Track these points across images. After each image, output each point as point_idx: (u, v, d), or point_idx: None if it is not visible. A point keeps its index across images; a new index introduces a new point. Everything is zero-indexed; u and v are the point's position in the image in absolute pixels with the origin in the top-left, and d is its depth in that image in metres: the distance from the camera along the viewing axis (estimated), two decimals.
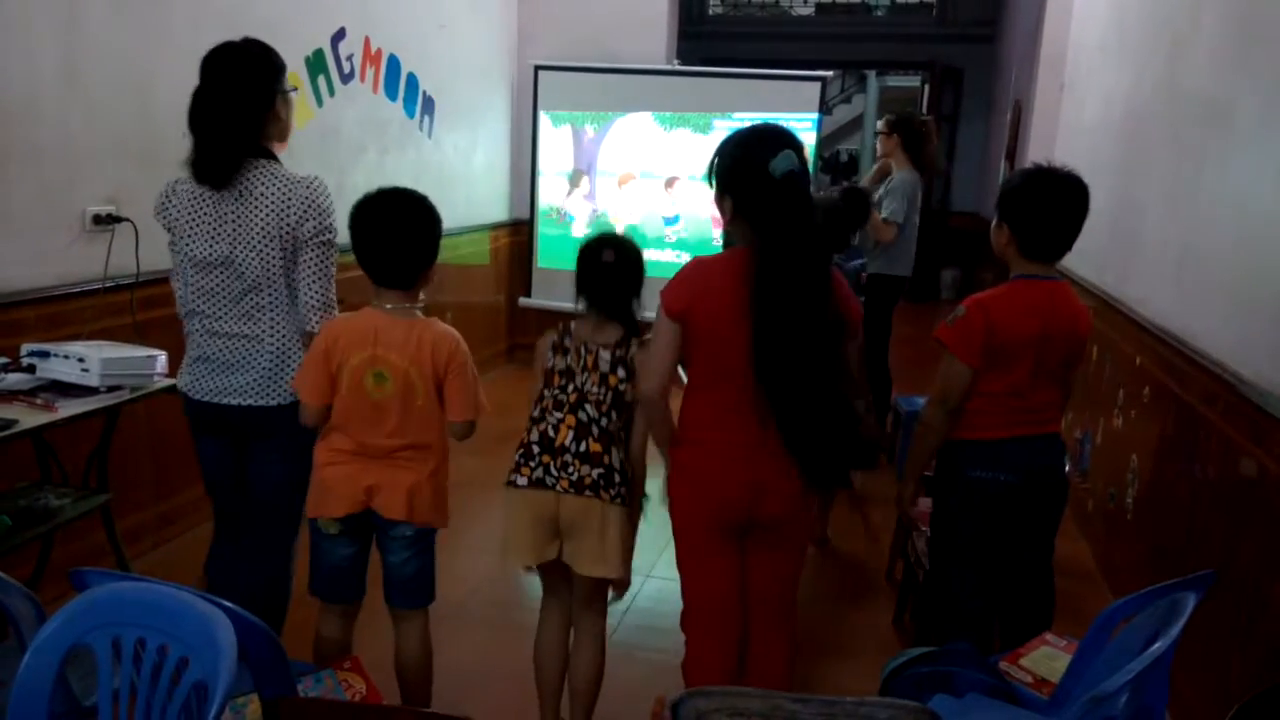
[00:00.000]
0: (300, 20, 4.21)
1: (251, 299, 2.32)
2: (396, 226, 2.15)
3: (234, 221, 2.27)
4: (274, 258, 2.29)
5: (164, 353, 2.90)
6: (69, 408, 2.58)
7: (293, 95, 2.42)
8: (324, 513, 2.23)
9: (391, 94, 5.11)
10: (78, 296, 3.14)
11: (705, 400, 2.11)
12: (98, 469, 2.96)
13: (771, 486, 2.08)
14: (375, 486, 2.20)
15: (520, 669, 2.49)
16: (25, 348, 2.74)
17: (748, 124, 2.19)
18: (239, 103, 2.26)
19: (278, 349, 2.35)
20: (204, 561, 2.60)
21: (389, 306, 2.19)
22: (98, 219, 3.20)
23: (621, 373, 2.23)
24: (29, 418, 2.50)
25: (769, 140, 2.01)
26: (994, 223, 2.45)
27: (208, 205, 2.29)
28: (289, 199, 2.26)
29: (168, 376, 2.89)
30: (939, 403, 2.40)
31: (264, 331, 2.34)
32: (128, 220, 3.24)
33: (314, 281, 2.31)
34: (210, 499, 2.57)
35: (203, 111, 2.26)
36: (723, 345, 2.02)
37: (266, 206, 2.26)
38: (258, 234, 2.26)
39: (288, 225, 2.26)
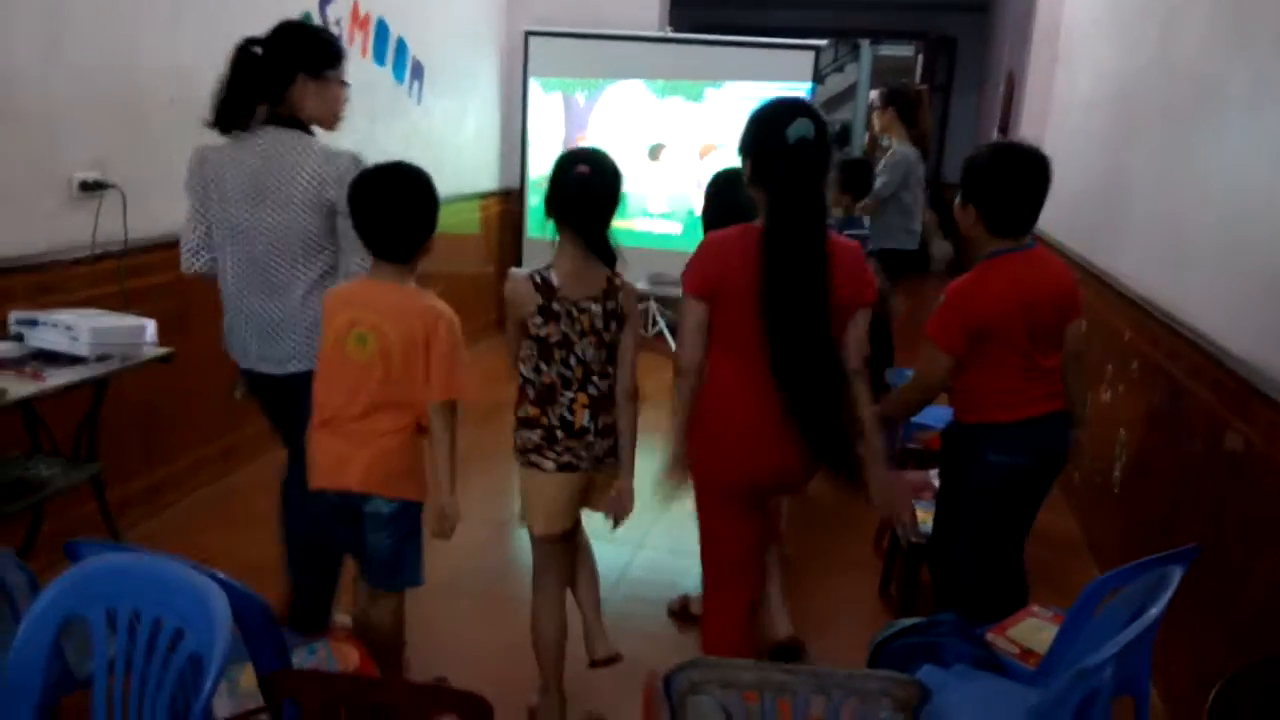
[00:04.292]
0: None
1: (280, 264, 2.39)
2: (394, 201, 2.14)
3: (272, 189, 2.36)
4: (309, 225, 2.37)
5: (153, 321, 2.88)
6: (58, 377, 2.57)
7: (335, 85, 2.48)
8: (310, 484, 2.24)
9: (380, 59, 5.06)
10: (65, 265, 3.11)
11: (729, 370, 2.13)
12: (88, 439, 2.95)
13: (795, 455, 2.12)
14: (344, 460, 2.17)
15: (513, 640, 2.51)
16: (13, 315, 2.72)
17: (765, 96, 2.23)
18: (262, 61, 2.38)
19: (315, 316, 2.35)
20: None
21: (385, 276, 2.18)
22: (84, 185, 3.16)
23: (614, 326, 2.22)
24: (17, 387, 2.48)
25: (790, 110, 2.07)
26: (958, 203, 2.44)
27: (243, 170, 2.37)
28: (325, 171, 2.35)
29: (158, 346, 2.88)
30: (919, 392, 2.47)
31: (297, 299, 2.40)
32: (115, 187, 3.21)
33: (354, 250, 2.33)
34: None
35: (234, 61, 2.38)
36: (740, 317, 2.07)
37: (304, 178, 2.35)
38: (293, 200, 2.35)
39: (325, 197, 2.35)
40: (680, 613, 3.08)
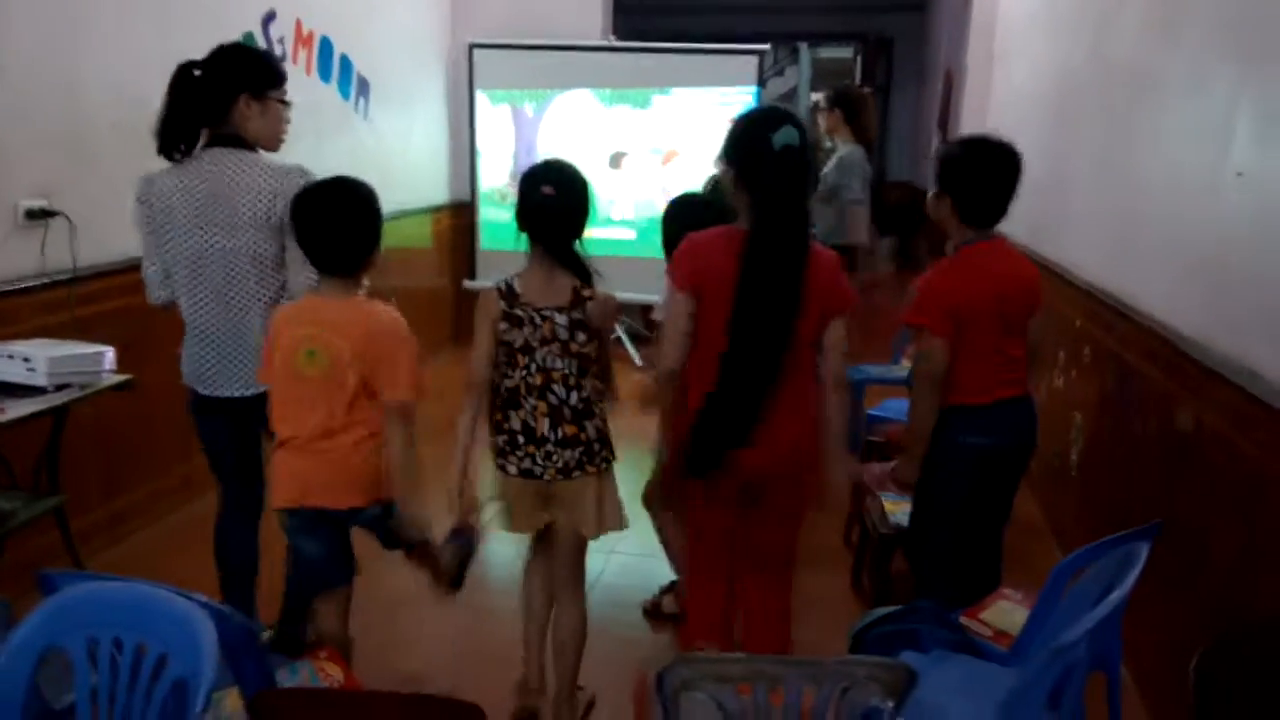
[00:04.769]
0: (229, 4, 4.11)
1: (239, 286, 2.38)
2: (336, 216, 2.15)
3: (221, 211, 2.34)
4: (262, 245, 2.36)
5: (111, 349, 2.83)
6: (16, 409, 2.52)
7: (277, 105, 2.47)
8: (273, 504, 2.23)
9: (325, 76, 5.02)
10: (13, 294, 3.05)
11: (706, 366, 2.15)
12: (48, 470, 2.89)
13: (765, 449, 2.14)
14: (310, 483, 2.17)
15: (493, 649, 2.51)
16: None
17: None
18: (201, 83, 2.37)
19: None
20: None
21: (333, 290, 2.17)
22: (30, 213, 3.10)
23: (581, 337, 2.22)
24: None
25: (775, 118, 2.11)
26: (932, 193, 2.52)
27: (192, 195, 2.35)
28: (272, 189, 2.33)
29: (116, 373, 2.83)
30: (930, 383, 2.43)
31: (256, 320, 2.38)
32: (61, 214, 3.15)
33: (303, 266, 2.30)
34: (214, 473, 2.63)
35: (172, 84, 2.37)
36: (719, 315, 2.10)
37: (249, 198, 2.33)
38: (244, 221, 2.33)
39: (274, 216, 2.34)
40: (653, 611, 3.11)
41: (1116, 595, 1.71)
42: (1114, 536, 2.00)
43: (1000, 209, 2.46)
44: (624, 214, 6.20)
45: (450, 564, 2.31)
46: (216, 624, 1.56)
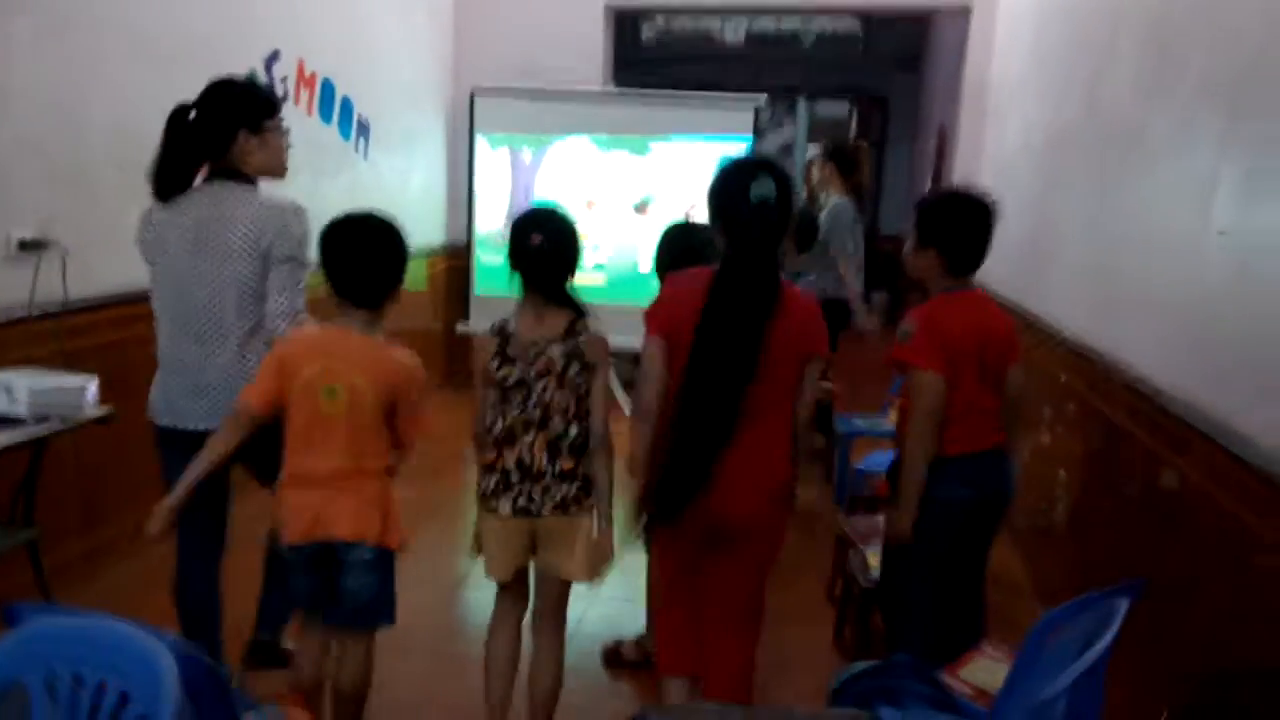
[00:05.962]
0: (233, 44, 4.16)
1: (219, 317, 2.37)
2: (366, 248, 2.20)
3: (211, 240, 2.34)
4: (248, 275, 2.35)
5: (95, 381, 2.82)
6: None
7: (275, 134, 2.48)
8: (285, 540, 2.23)
9: (326, 117, 5.07)
10: (1, 325, 3.04)
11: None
12: (24, 503, 2.86)
13: (730, 493, 2.14)
14: (320, 515, 2.18)
15: (462, 701, 2.47)
16: None
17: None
18: (197, 124, 2.39)
19: (251, 369, 2.32)
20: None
21: (354, 325, 2.20)
22: (23, 244, 3.11)
23: (576, 366, 2.23)
24: None
25: (753, 169, 2.14)
26: (912, 247, 2.53)
27: (185, 224, 2.35)
28: (264, 221, 2.34)
29: (98, 405, 2.82)
30: (929, 419, 2.39)
31: (233, 351, 2.37)
32: (54, 245, 3.16)
33: (281, 291, 2.34)
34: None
35: (167, 126, 2.39)
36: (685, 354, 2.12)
37: (241, 228, 2.34)
38: (234, 250, 2.33)
39: (261, 246, 2.33)
40: (612, 658, 3.08)
41: (1094, 651, 1.69)
42: (1095, 593, 1.98)
43: (980, 258, 2.50)
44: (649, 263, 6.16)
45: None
46: (181, 664, 1.53)
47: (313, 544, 2.19)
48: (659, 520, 2.16)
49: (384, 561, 2.25)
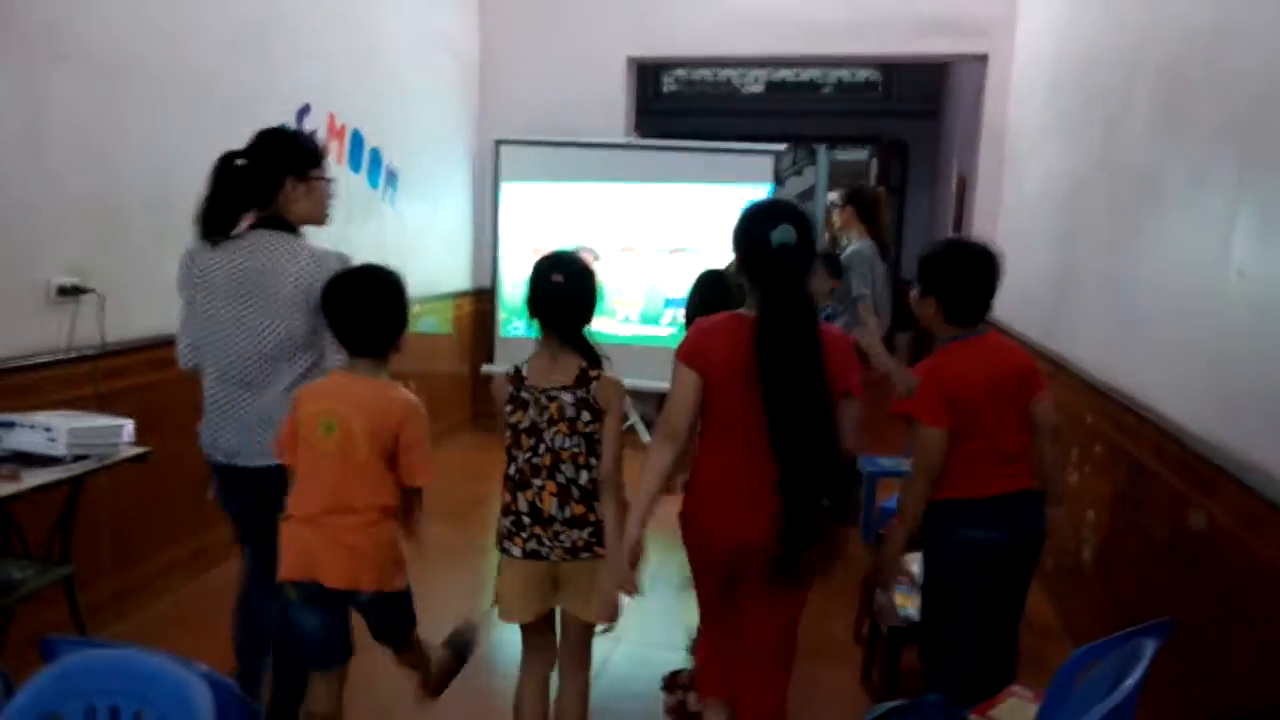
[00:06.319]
0: (265, 96, 4.27)
1: (271, 365, 2.41)
2: (364, 301, 2.25)
3: (259, 290, 2.39)
4: (296, 326, 2.39)
5: (131, 421, 2.88)
6: (34, 477, 2.56)
7: (320, 184, 2.54)
8: (280, 576, 2.25)
9: (355, 166, 5.19)
10: (40, 368, 3.11)
11: (717, 452, 2.22)
12: (61, 540, 2.91)
13: (746, 523, 2.15)
14: (316, 557, 2.19)
15: None
16: None
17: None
18: (247, 170, 2.44)
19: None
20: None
21: (359, 371, 2.26)
22: (62, 290, 3.19)
23: (587, 415, 2.24)
24: None
25: (774, 214, 2.19)
26: (916, 295, 2.57)
27: (233, 271, 2.41)
28: (314, 275, 2.37)
29: (134, 445, 2.88)
30: (924, 473, 2.44)
31: (280, 393, 2.40)
32: (92, 291, 3.25)
33: (337, 347, 2.35)
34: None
35: (216, 172, 2.44)
36: (728, 398, 2.16)
37: (291, 281, 2.38)
38: (282, 302, 2.38)
39: (312, 300, 2.36)
40: (670, 685, 3.08)
41: (1122, 690, 1.68)
42: (1123, 633, 1.98)
43: (983, 307, 2.51)
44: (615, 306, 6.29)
45: (442, 670, 2.37)
46: (214, 696, 1.56)
47: (311, 581, 2.20)
48: (781, 569, 2.16)
49: (392, 602, 2.28)
